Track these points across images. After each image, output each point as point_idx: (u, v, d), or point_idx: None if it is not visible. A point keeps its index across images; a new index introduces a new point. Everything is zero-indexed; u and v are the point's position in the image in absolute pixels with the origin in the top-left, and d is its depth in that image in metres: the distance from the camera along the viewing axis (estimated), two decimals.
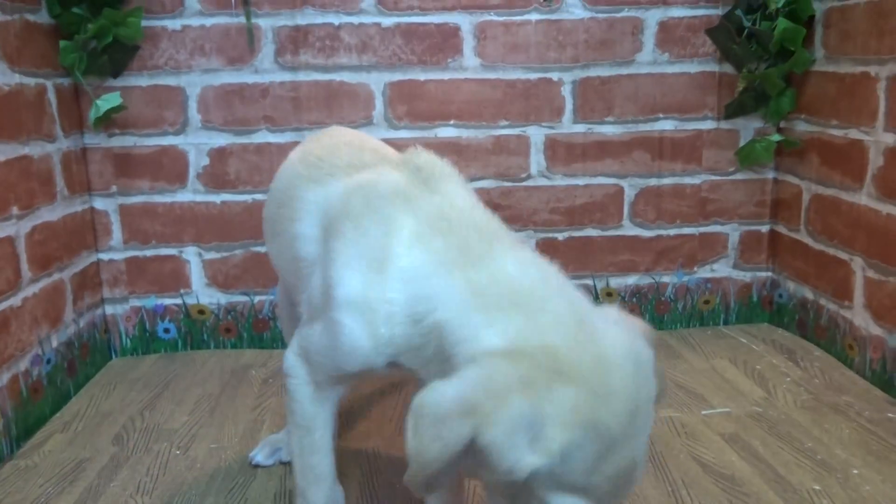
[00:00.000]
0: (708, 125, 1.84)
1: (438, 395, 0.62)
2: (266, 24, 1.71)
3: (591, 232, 1.88)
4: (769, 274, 1.93)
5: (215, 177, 1.77)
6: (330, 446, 0.92)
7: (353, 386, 0.93)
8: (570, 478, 0.60)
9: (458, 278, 0.71)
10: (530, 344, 0.64)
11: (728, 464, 1.22)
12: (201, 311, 1.83)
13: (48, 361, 1.50)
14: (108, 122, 1.69)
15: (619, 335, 0.66)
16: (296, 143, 1.74)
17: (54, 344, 1.53)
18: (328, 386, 0.89)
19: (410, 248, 0.75)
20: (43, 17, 1.55)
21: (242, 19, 1.70)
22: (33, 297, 1.45)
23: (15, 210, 1.40)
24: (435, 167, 0.84)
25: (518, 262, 0.71)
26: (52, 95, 1.56)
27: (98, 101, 1.63)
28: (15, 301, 1.39)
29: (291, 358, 0.90)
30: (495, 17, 1.75)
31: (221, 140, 1.75)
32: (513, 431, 0.59)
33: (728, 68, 1.80)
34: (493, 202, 1.83)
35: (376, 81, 1.76)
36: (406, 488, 1.15)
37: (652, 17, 1.77)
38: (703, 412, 1.42)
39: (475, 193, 0.85)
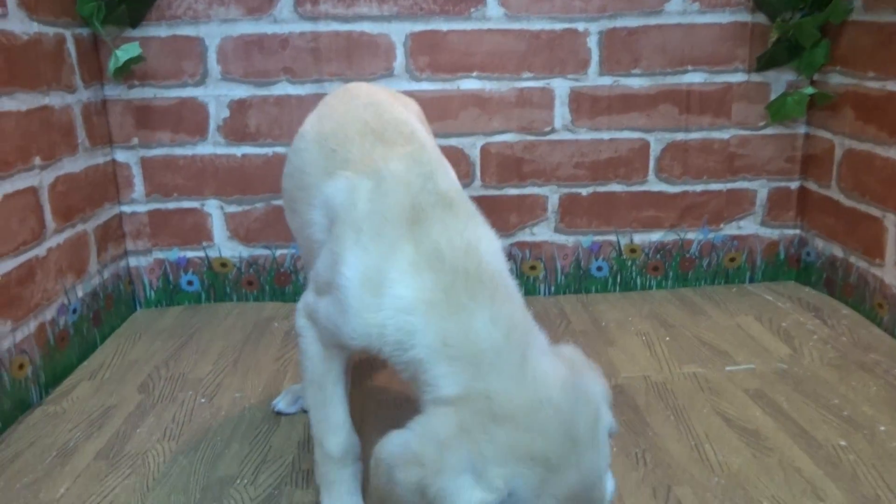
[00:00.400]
0: (738, 78, 1.79)
1: (392, 445, 0.71)
2: None
3: (615, 187, 1.85)
4: (797, 231, 1.89)
5: (235, 129, 1.76)
6: (343, 398, 0.94)
7: None
8: None
9: (435, 325, 0.76)
10: (473, 392, 0.71)
11: (752, 419, 1.21)
12: (223, 264, 1.84)
13: (74, 311, 1.52)
14: (127, 73, 1.68)
15: (558, 376, 0.73)
16: (316, 96, 1.73)
17: (80, 294, 1.55)
18: (337, 348, 0.90)
19: (405, 277, 0.79)
20: None
21: None
22: (58, 247, 1.46)
23: (37, 161, 1.40)
24: (446, 192, 0.85)
25: (489, 319, 0.75)
26: (71, 45, 1.55)
27: (117, 52, 1.62)
28: (40, 251, 1.40)
29: (300, 319, 0.93)
30: None
31: (241, 92, 1.74)
32: (457, 474, 0.66)
33: (761, 18, 1.74)
34: (516, 156, 1.80)
35: (397, 32, 1.73)
36: None
37: None
38: (727, 368, 1.41)
39: (480, 218, 0.86)
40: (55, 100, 1.48)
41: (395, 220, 0.82)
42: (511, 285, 0.82)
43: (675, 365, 1.43)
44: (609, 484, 0.73)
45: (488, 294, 0.77)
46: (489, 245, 0.83)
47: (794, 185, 1.87)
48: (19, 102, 1.35)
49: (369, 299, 0.79)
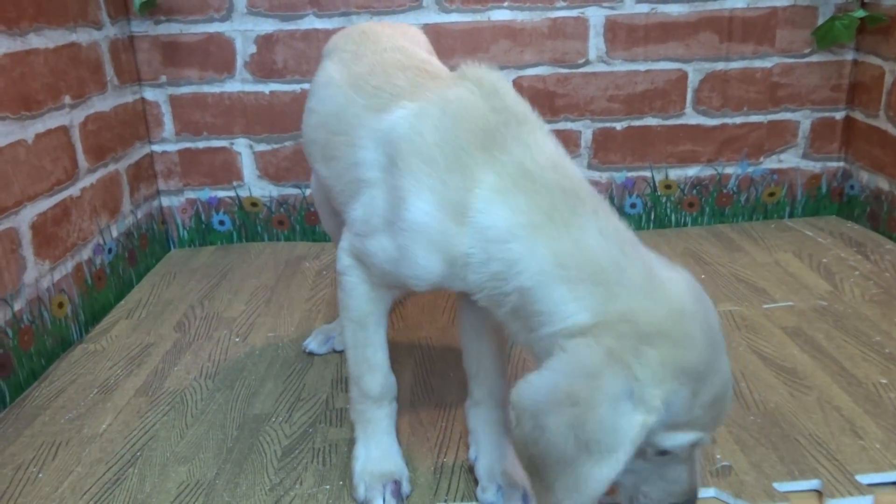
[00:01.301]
0: (783, 2, 1.70)
1: (534, 390, 0.67)
2: None
3: (650, 121, 1.79)
4: (841, 164, 1.83)
5: (263, 65, 1.73)
6: (384, 339, 0.92)
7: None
8: (675, 419, 0.66)
9: (543, 247, 0.71)
10: (611, 315, 0.67)
11: (789, 357, 1.19)
12: (254, 204, 1.84)
13: (109, 251, 1.54)
14: (153, 7, 1.65)
15: (681, 283, 0.70)
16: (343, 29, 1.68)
17: (114, 234, 1.56)
18: (385, 289, 0.88)
19: (491, 205, 0.74)
20: None
21: None
22: (91, 187, 1.47)
23: (67, 99, 1.39)
24: (515, 108, 0.80)
25: (599, 233, 0.71)
26: None
27: None
28: (74, 191, 1.40)
29: (346, 259, 0.89)
30: None
31: (268, 26, 1.70)
32: (616, 404, 0.64)
33: None
34: (549, 90, 1.75)
35: None
36: (458, 378, 1.16)
37: None
38: (765, 306, 1.38)
39: (554, 139, 0.81)
40: (82, 36, 1.46)
41: (469, 146, 0.77)
42: (600, 196, 0.78)
43: (712, 302, 1.40)
44: None
45: (591, 208, 0.73)
46: (568, 157, 0.80)
47: (839, 115, 1.79)
48: (46, 40, 1.34)
49: (450, 234, 0.75)
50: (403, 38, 1.07)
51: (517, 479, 0.90)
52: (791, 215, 1.86)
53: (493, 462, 0.92)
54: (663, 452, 0.70)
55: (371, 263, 0.84)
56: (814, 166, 1.83)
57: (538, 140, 0.78)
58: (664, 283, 0.69)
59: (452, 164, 0.76)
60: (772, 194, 1.84)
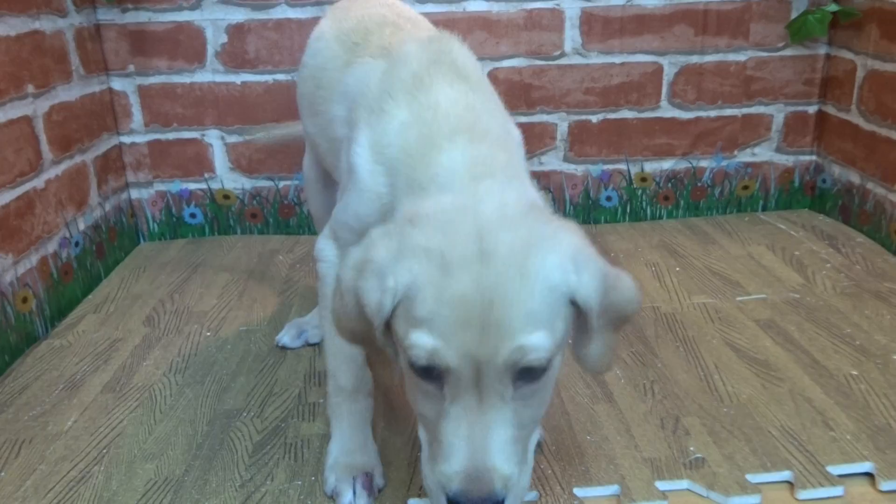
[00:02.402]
0: None
1: (347, 257, 0.72)
2: None
3: (626, 114, 1.79)
4: (813, 157, 1.84)
5: (234, 55, 1.70)
6: None
7: None
8: (416, 312, 0.64)
9: (405, 165, 0.76)
10: (413, 206, 0.71)
11: (762, 349, 1.20)
12: (226, 196, 1.81)
13: (76, 244, 1.50)
14: None
15: (510, 203, 0.69)
16: (316, 20, 1.66)
17: (81, 227, 1.53)
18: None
19: (395, 138, 0.78)
20: None
21: None
22: (56, 179, 1.43)
23: (30, 88, 1.36)
24: (458, 63, 0.83)
25: (458, 155, 0.74)
26: None
27: None
28: (38, 183, 1.37)
29: (322, 241, 0.92)
30: None
31: (239, 15, 1.67)
32: (369, 276, 0.67)
33: None
34: (525, 82, 1.74)
35: None
36: None
37: None
38: (738, 298, 1.39)
39: (503, 108, 0.85)
40: (46, 24, 1.42)
41: (398, 90, 0.81)
42: (515, 144, 0.81)
43: (685, 295, 1.41)
44: (535, 434, 0.72)
45: (470, 139, 0.75)
46: (503, 124, 0.82)
47: (811, 108, 1.80)
48: (8, 27, 1.30)
49: (376, 174, 0.79)
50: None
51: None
52: (764, 208, 1.87)
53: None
54: (427, 374, 0.66)
55: (339, 223, 0.87)
56: (787, 160, 1.84)
57: (468, 91, 0.80)
58: (485, 192, 0.69)
59: (380, 108, 0.81)
60: (745, 188, 1.85)
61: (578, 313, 0.69)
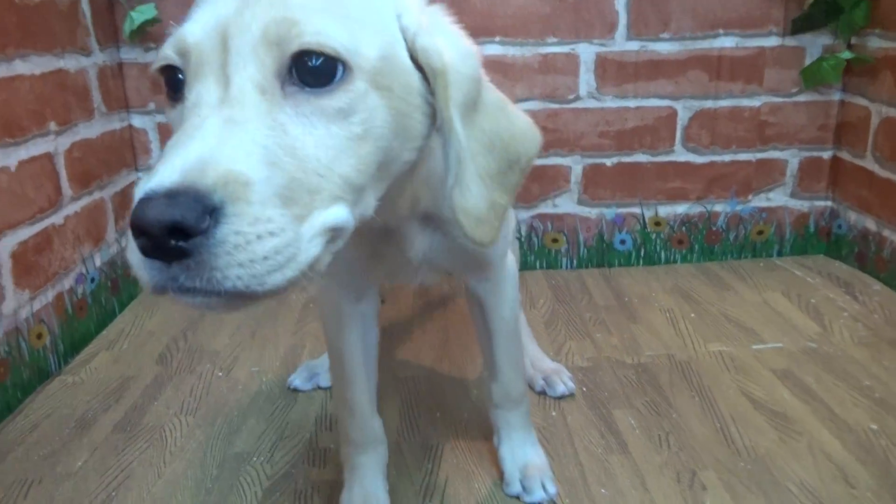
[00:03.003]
0: (772, 42, 1.71)
1: None
2: None
3: (640, 157, 1.79)
4: (828, 203, 1.83)
5: None
6: (364, 377, 0.90)
7: (376, 305, 0.90)
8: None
9: None
10: None
11: (780, 400, 1.18)
12: None
13: (92, 280, 1.51)
14: (143, 35, 1.64)
15: None
16: None
17: (97, 263, 1.53)
18: (348, 299, 0.85)
19: None
20: None
21: None
22: (75, 215, 1.45)
23: (53, 126, 1.38)
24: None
25: None
26: (85, 6, 1.51)
27: (132, 13, 1.58)
28: (57, 219, 1.38)
29: (319, 290, 0.90)
30: None
31: None
32: None
33: None
34: (539, 125, 1.74)
35: None
36: (445, 419, 1.14)
37: None
38: (754, 346, 1.37)
39: None
40: (70, 63, 1.45)
41: None
42: None
43: (700, 343, 1.40)
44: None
45: None
46: None
47: (826, 154, 1.80)
48: (33, 65, 1.32)
49: None
50: None
51: (536, 471, 0.95)
52: (780, 254, 1.86)
53: (515, 458, 0.97)
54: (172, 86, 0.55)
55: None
56: (802, 205, 1.84)
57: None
58: None
59: None
60: (760, 232, 1.85)
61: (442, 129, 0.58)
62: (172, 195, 0.44)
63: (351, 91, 0.52)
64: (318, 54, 0.50)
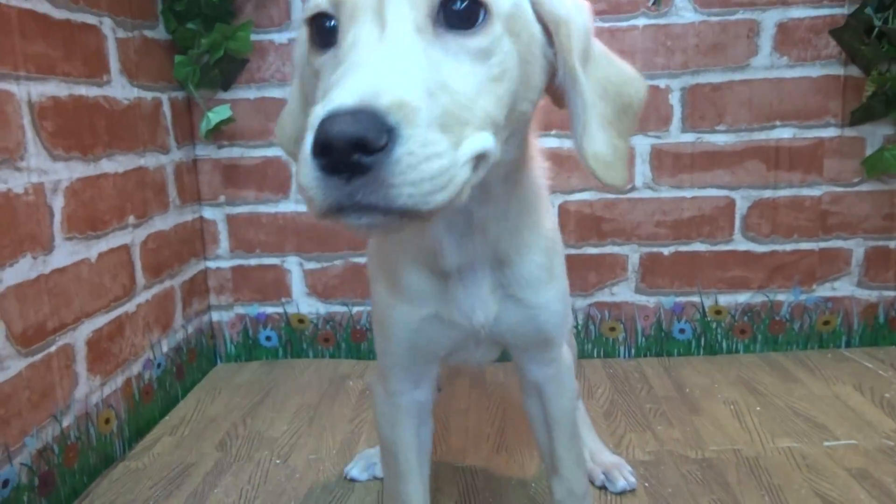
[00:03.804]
0: (830, 132, 1.71)
1: None
2: None
3: (698, 247, 1.78)
4: None
5: None
6: (417, 471, 0.88)
7: (433, 395, 0.89)
8: None
9: None
10: None
11: (856, 502, 1.12)
12: (301, 320, 1.86)
13: (158, 366, 1.56)
14: (217, 133, 1.75)
15: None
16: None
17: (164, 349, 1.59)
18: (405, 386, 0.85)
19: None
20: (160, 33, 1.62)
21: None
22: (146, 303, 1.51)
23: (131, 219, 1.46)
24: None
25: None
26: (166, 108, 1.63)
27: (209, 114, 1.69)
28: (130, 307, 1.44)
29: (373, 378, 0.91)
30: (600, 23, 1.70)
31: None
32: None
33: (854, 71, 1.67)
34: (595, 215, 1.77)
35: None
36: None
37: (769, 19, 1.67)
38: (826, 443, 1.31)
39: None
40: (150, 160, 1.55)
41: None
42: None
43: (768, 438, 1.34)
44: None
45: None
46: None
47: (893, 243, 1.76)
48: (117, 164, 1.42)
49: None
50: None
51: None
52: (848, 345, 1.80)
53: None
54: (321, 35, 0.61)
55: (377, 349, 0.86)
56: (869, 295, 1.78)
57: None
58: None
59: None
60: (826, 322, 1.79)
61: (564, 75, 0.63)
62: (355, 112, 0.48)
63: (490, 34, 0.58)
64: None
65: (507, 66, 0.59)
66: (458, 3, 0.56)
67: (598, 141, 0.65)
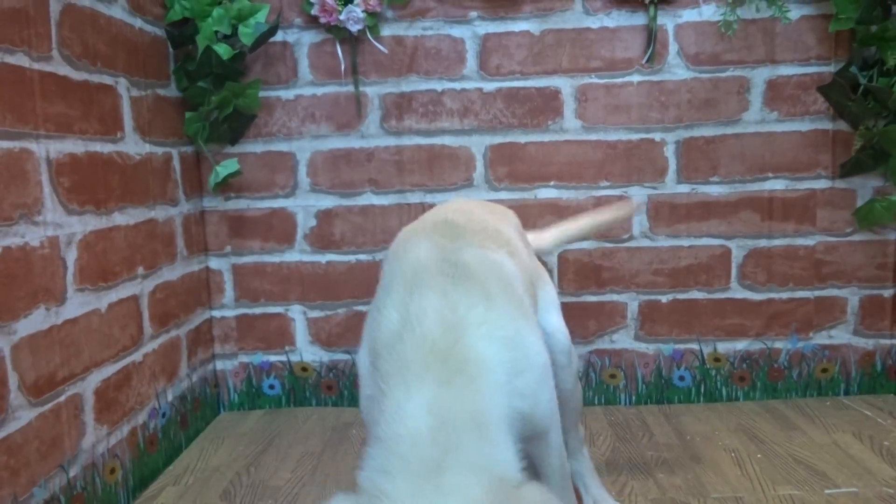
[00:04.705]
0: (822, 184, 1.76)
1: None
2: (373, 91, 1.78)
3: (696, 294, 1.82)
4: (894, 341, 1.80)
5: (321, 237, 1.83)
6: None
7: None
8: None
9: (377, 403, 0.78)
10: (373, 486, 0.70)
11: None
12: (304, 369, 1.87)
13: (163, 415, 1.57)
14: (225, 186, 1.79)
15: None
16: (398, 206, 1.80)
17: (169, 398, 1.60)
18: None
19: (382, 350, 0.83)
20: (171, 91, 1.67)
21: (351, 88, 1.78)
22: (153, 352, 1.53)
23: (140, 270, 1.49)
24: (466, 266, 0.84)
25: (425, 405, 0.72)
26: (176, 163, 1.68)
27: (218, 167, 1.74)
28: (137, 356, 1.47)
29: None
30: (596, 80, 1.76)
31: (328, 202, 1.82)
32: None
33: (843, 125, 1.73)
34: (594, 263, 1.80)
35: (477, 144, 1.79)
36: None
37: (759, 76, 1.73)
38: (827, 491, 1.32)
39: (515, 308, 0.85)
40: (160, 213, 1.59)
41: (397, 283, 0.82)
42: (491, 379, 0.75)
43: (769, 486, 1.35)
44: None
45: (444, 376, 0.72)
46: (496, 331, 0.78)
47: (887, 292, 1.79)
48: (129, 217, 1.45)
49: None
50: (485, 213, 1.10)
51: None
52: (847, 392, 1.82)
53: None
54: None
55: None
56: (866, 343, 1.81)
57: (460, 298, 0.78)
58: (445, 487, 0.66)
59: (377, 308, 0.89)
60: (825, 370, 1.81)
61: None
62: None
63: None
64: None
65: None
66: None
67: None
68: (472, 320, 0.77)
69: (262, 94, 1.76)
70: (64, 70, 1.26)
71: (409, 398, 0.71)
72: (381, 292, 0.85)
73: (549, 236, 1.38)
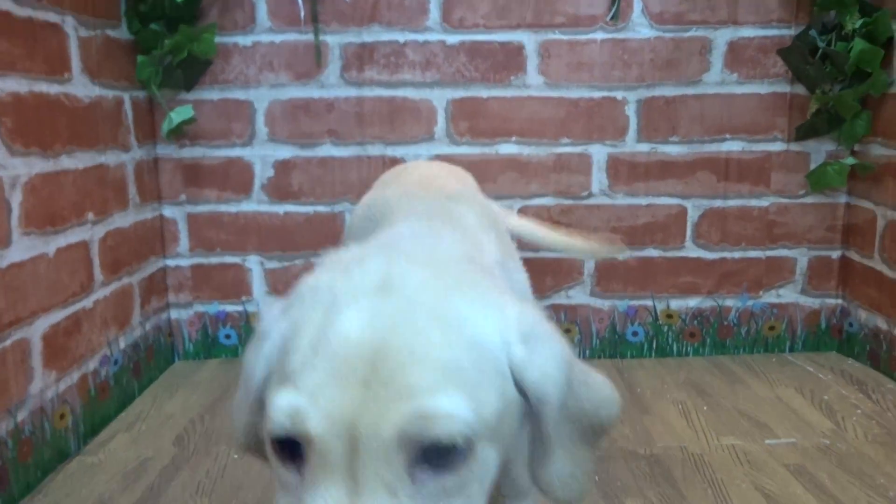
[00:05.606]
0: (777, 147, 1.79)
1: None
2: (333, 40, 1.75)
3: (652, 252, 1.84)
4: (839, 301, 1.86)
5: (279, 188, 1.81)
6: None
7: None
8: (287, 366, 0.51)
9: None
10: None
11: (793, 497, 1.18)
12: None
13: (115, 362, 1.55)
14: (179, 133, 1.75)
15: (444, 245, 0.63)
16: (358, 158, 1.78)
17: (122, 346, 1.58)
18: None
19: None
20: (122, 34, 1.62)
21: (311, 36, 1.74)
22: (104, 300, 1.51)
23: (90, 216, 1.46)
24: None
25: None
26: (128, 107, 1.63)
27: (171, 114, 1.69)
28: (87, 303, 1.44)
29: None
30: (560, 36, 1.75)
31: (286, 153, 1.79)
32: (256, 341, 0.59)
33: (800, 89, 1.75)
34: (553, 220, 1.81)
35: (439, 98, 1.78)
36: None
37: (721, 37, 1.74)
38: (767, 441, 1.37)
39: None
40: (110, 158, 1.55)
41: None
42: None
43: (713, 436, 1.40)
44: None
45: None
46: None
47: (835, 254, 1.84)
48: (77, 161, 1.42)
49: None
50: (445, 174, 1.10)
51: None
52: (792, 350, 1.87)
53: None
54: (288, 454, 0.51)
55: None
56: (812, 302, 1.86)
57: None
58: (409, 238, 0.63)
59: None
60: (772, 328, 1.87)
61: (531, 415, 0.55)
62: None
63: (473, 464, 0.51)
64: (449, 443, 0.49)
65: (488, 475, 0.53)
66: (439, 462, 0.49)
67: (561, 466, 0.58)
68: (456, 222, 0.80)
69: (218, 39, 1.72)
70: (6, 4, 1.20)
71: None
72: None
73: (516, 222, 1.37)
